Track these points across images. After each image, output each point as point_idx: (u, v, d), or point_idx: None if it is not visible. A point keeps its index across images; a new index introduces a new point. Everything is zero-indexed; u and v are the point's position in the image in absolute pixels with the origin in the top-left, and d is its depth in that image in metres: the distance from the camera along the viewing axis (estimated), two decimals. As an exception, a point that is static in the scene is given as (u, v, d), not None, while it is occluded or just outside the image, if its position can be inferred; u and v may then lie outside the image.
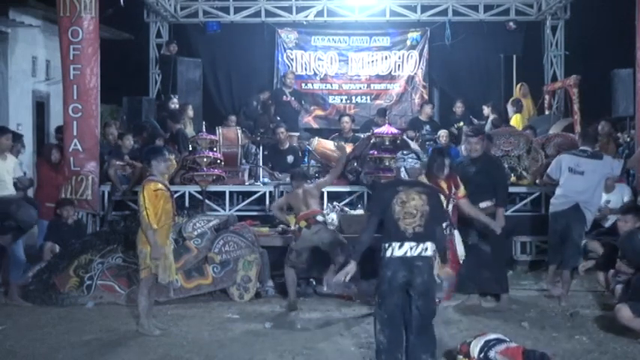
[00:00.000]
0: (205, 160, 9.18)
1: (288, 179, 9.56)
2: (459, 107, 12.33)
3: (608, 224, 8.63)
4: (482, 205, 7.13)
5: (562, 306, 7.32)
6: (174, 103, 11.64)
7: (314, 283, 8.05)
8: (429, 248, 5.07)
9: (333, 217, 8.60)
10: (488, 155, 7.90)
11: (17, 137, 9.14)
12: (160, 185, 6.41)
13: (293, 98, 12.50)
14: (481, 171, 7.25)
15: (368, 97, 14.24)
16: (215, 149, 9.50)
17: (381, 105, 13.64)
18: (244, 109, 12.58)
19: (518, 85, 12.64)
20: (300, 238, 7.50)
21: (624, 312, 6.09)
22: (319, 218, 7.57)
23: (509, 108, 12.03)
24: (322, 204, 8.06)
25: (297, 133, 10.85)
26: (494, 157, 8.33)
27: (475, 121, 12.16)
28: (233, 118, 12.09)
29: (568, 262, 7.51)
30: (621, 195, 8.75)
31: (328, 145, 10.19)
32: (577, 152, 7.70)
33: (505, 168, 8.30)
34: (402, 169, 5.36)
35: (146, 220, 6.28)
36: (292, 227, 7.93)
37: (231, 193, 9.71)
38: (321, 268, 7.74)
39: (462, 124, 11.94)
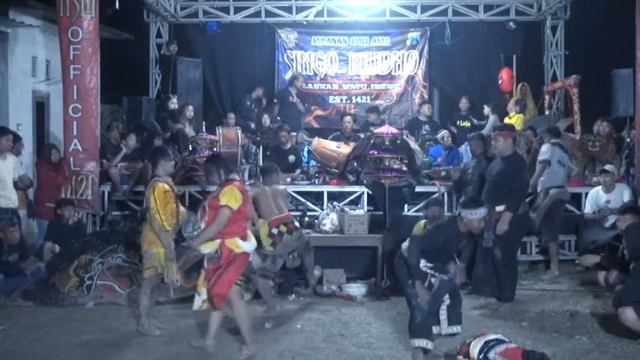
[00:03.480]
0: (205, 160, 9.15)
1: (289, 179, 9.59)
2: (464, 103, 12.30)
3: (608, 224, 8.65)
4: (499, 208, 6.86)
5: (555, 275, 8.50)
6: (174, 103, 11.65)
7: (314, 283, 8.04)
8: None
9: (333, 217, 8.61)
10: (519, 157, 7.52)
11: (17, 138, 9.15)
12: (167, 186, 6.40)
13: (299, 100, 12.52)
14: (505, 172, 6.99)
15: (368, 97, 14.19)
16: (215, 149, 9.49)
17: (381, 105, 13.63)
18: (239, 110, 12.59)
19: (519, 86, 12.62)
20: (280, 244, 7.17)
21: (629, 314, 6.07)
22: (297, 223, 7.43)
23: (513, 108, 12.02)
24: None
25: (294, 133, 10.88)
26: (522, 160, 7.70)
27: (475, 121, 12.16)
28: (232, 115, 12.09)
29: (551, 235, 8.75)
30: (621, 195, 8.77)
31: (328, 145, 10.20)
32: (561, 147, 8.78)
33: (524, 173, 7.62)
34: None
35: (159, 222, 6.25)
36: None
37: (231, 193, 9.69)
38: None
39: (467, 123, 11.96)
